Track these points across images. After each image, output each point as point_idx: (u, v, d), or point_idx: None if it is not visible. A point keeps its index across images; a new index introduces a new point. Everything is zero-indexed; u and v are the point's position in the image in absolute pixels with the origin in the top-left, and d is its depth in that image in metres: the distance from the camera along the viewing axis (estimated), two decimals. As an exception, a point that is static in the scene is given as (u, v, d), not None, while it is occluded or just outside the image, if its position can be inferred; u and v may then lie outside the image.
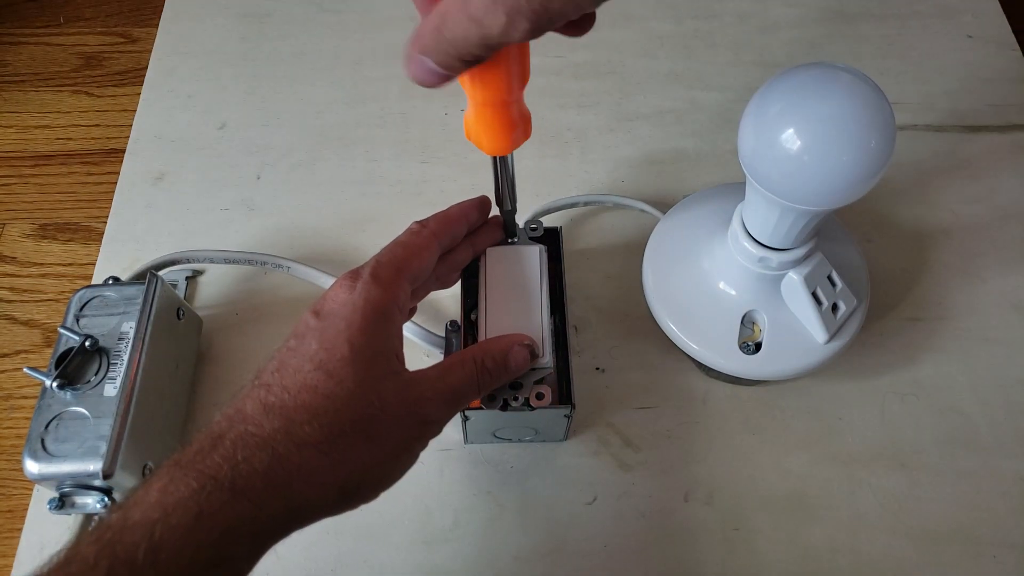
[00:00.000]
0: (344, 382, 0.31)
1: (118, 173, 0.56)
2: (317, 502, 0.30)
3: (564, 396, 0.41)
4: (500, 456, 0.45)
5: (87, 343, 0.40)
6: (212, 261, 0.51)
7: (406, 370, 0.34)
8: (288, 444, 0.29)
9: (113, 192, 0.55)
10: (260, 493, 0.28)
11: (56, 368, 0.40)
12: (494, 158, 0.37)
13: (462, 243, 0.40)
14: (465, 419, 0.41)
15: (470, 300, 0.43)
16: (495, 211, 0.41)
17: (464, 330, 0.42)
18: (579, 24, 0.30)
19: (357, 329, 0.32)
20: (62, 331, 0.41)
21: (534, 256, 0.41)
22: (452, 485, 0.45)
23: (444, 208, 0.39)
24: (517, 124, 0.34)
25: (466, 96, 0.32)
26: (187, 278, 0.51)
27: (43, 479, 0.39)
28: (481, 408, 0.38)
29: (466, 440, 0.45)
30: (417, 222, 0.38)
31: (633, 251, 0.50)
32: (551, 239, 0.45)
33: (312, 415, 0.30)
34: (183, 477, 0.28)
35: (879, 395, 0.47)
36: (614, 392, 0.47)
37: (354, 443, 0.30)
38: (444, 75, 0.27)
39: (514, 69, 0.31)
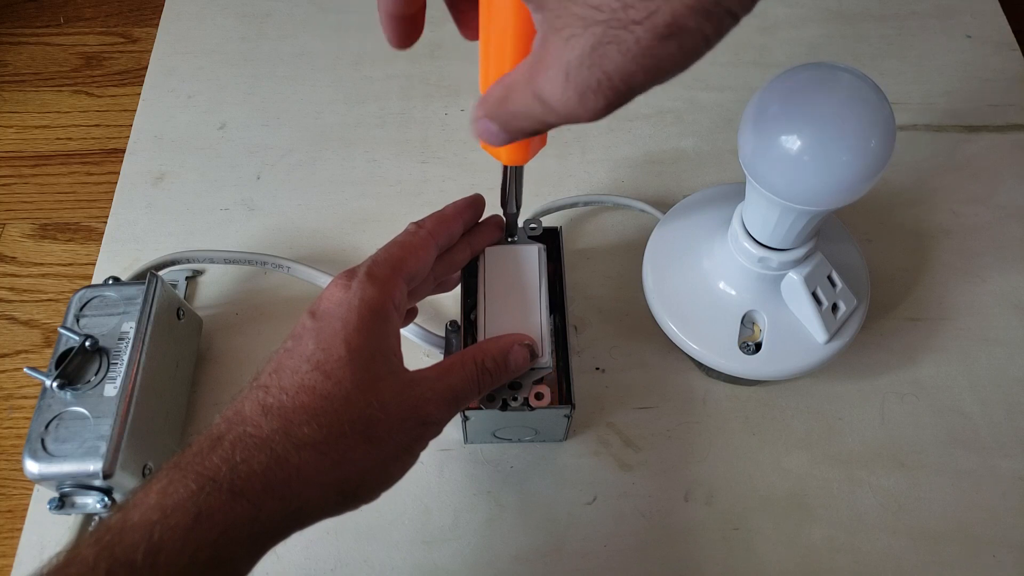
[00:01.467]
0: (342, 383, 0.31)
1: (118, 173, 0.56)
2: (317, 503, 0.30)
3: (564, 396, 0.41)
4: (500, 456, 0.45)
5: (87, 343, 0.40)
6: (212, 261, 0.51)
7: (405, 370, 0.33)
8: (287, 445, 0.29)
9: (113, 192, 0.55)
10: (259, 494, 0.28)
11: (56, 368, 0.40)
12: (506, 167, 0.37)
13: (460, 243, 0.40)
14: (465, 419, 0.41)
15: (470, 300, 0.43)
16: (493, 209, 0.41)
17: (464, 330, 0.42)
18: None
19: (353, 329, 0.32)
20: (62, 331, 0.41)
21: (533, 255, 0.41)
22: (452, 485, 0.45)
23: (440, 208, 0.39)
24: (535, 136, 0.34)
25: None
26: (187, 278, 0.51)
27: (43, 479, 0.39)
28: (481, 408, 0.38)
29: (466, 440, 0.45)
30: (413, 223, 0.38)
31: (633, 251, 0.50)
32: (551, 239, 0.45)
33: (311, 416, 0.30)
34: (182, 479, 0.28)
35: (879, 395, 0.47)
36: (614, 392, 0.47)
37: (353, 444, 0.30)
38: (509, 138, 0.27)
39: None
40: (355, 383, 0.31)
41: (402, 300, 0.35)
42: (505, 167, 0.37)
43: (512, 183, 0.38)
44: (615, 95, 0.23)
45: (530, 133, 0.27)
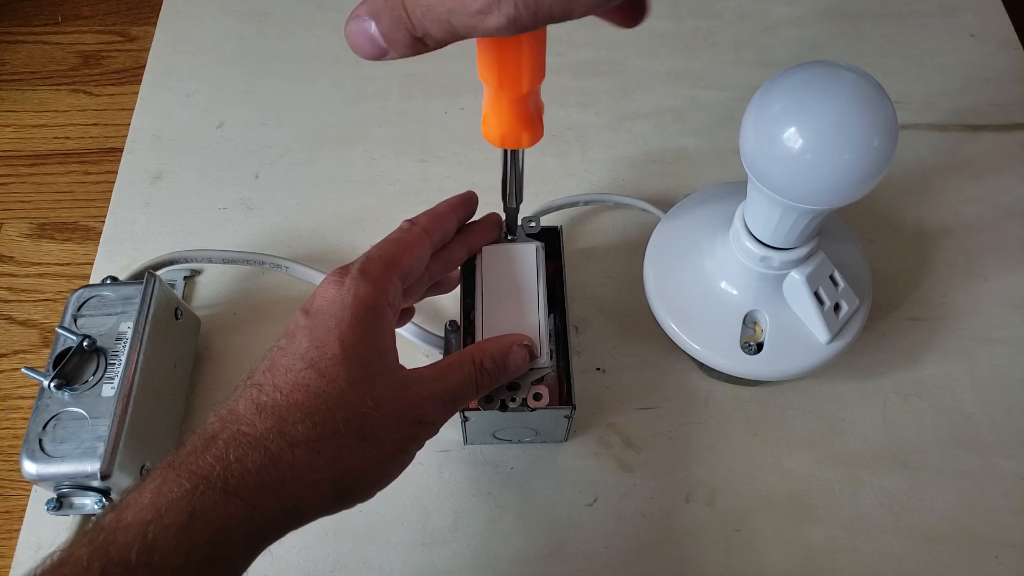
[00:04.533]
0: (336, 381, 0.31)
1: (116, 172, 0.56)
2: (311, 501, 0.30)
3: (564, 396, 0.41)
4: (500, 457, 0.45)
5: (85, 343, 0.40)
6: (210, 261, 0.51)
7: (402, 368, 0.33)
8: (281, 443, 0.29)
9: (111, 191, 0.55)
10: (253, 493, 0.28)
11: (54, 368, 0.39)
12: (505, 154, 0.37)
13: (456, 241, 0.39)
14: (465, 420, 0.41)
15: (469, 300, 0.42)
16: (492, 208, 0.41)
17: (463, 330, 0.42)
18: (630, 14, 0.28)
19: (347, 326, 0.32)
20: (60, 331, 0.41)
21: (530, 254, 0.41)
22: (452, 486, 0.44)
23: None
24: (535, 117, 0.33)
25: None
26: (185, 278, 0.51)
27: (41, 480, 0.38)
28: (480, 409, 0.38)
29: (466, 441, 0.45)
30: (407, 220, 0.37)
31: (634, 250, 0.49)
32: (552, 238, 0.44)
33: (305, 414, 0.30)
34: (176, 478, 0.28)
35: (881, 395, 0.47)
36: (615, 392, 0.47)
37: (348, 442, 0.30)
38: (382, 49, 0.24)
39: (538, 61, 0.31)
40: (349, 381, 0.31)
41: (396, 297, 0.34)
42: (504, 156, 0.37)
43: (511, 173, 0.38)
44: (523, 5, 0.22)
45: (415, 39, 0.24)
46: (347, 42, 0.25)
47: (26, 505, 0.44)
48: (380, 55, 0.24)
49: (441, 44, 0.24)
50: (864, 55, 0.61)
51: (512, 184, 0.38)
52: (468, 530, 0.43)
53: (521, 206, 0.40)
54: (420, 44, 0.24)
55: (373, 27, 0.24)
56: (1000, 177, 0.55)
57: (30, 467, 0.38)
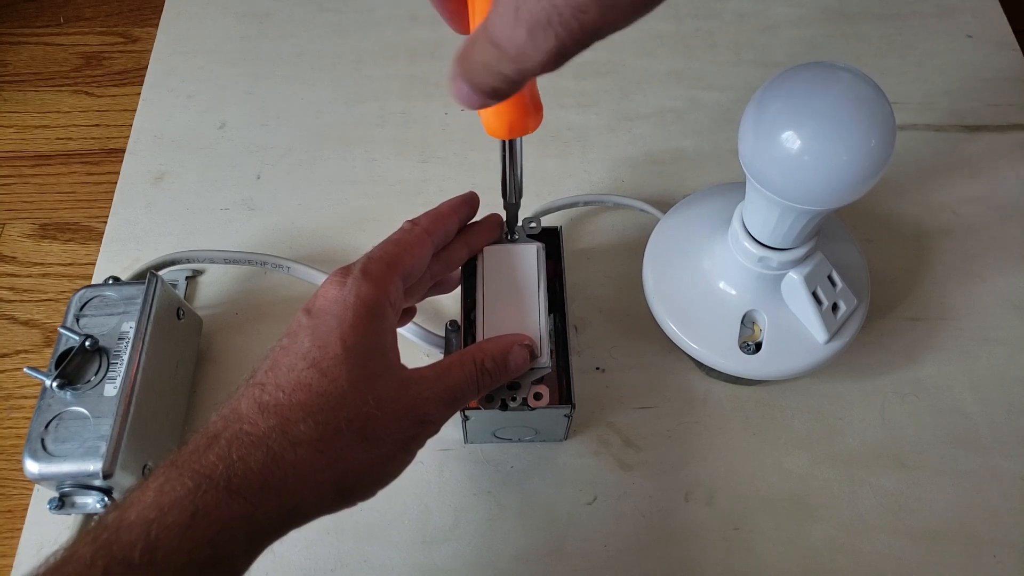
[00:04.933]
0: (338, 380, 0.31)
1: (118, 173, 0.56)
2: (313, 501, 0.30)
3: (564, 396, 0.41)
4: (500, 456, 0.45)
5: (87, 343, 0.40)
6: (212, 261, 0.51)
7: (403, 367, 0.33)
8: (283, 442, 0.29)
9: (113, 192, 0.55)
10: (256, 492, 0.28)
11: (56, 368, 0.40)
12: (503, 147, 0.37)
13: (457, 241, 0.40)
14: (465, 419, 0.41)
15: (469, 300, 0.42)
16: (493, 208, 0.41)
17: (464, 330, 0.42)
18: None
19: (349, 326, 0.32)
20: (62, 331, 0.41)
21: (531, 254, 0.41)
22: (452, 485, 0.45)
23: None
24: (528, 108, 0.33)
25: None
26: (187, 278, 0.51)
27: (43, 479, 0.39)
28: (480, 408, 0.38)
29: (466, 440, 0.45)
30: (409, 220, 0.37)
31: (633, 251, 0.49)
32: (551, 239, 0.45)
33: (307, 413, 0.30)
34: (179, 477, 0.28)
35: (880, 395, 0.47)
36: (614, 392, 0.47)
37: (350, 442, 0.30)
38: (482, 101, 0.25)
39: None
40: (351, 381, 0.31)
41: (398, 297, 0.34)
42: (503, 150, 0.37)
43: (509, 168, 0.38)
44: (567, 34, 0.21)
45: (495, 88, 0.24)
46: (456, 101, 0.25)
47: (28, 504, 0.44)
48: (484, 105, 0.25)
49: (516, 88, 0.24)
50: (863, 56, 0.61)
51: (510, 179, 0.38)
52: (468, 528, 0.43)
53: (521, 207, 0.41)
54: (503, 91, 0.24)
55: (466, 88, 0.24)
56: (998, 177, 0.55)
57: (32, 466, 0.38)
